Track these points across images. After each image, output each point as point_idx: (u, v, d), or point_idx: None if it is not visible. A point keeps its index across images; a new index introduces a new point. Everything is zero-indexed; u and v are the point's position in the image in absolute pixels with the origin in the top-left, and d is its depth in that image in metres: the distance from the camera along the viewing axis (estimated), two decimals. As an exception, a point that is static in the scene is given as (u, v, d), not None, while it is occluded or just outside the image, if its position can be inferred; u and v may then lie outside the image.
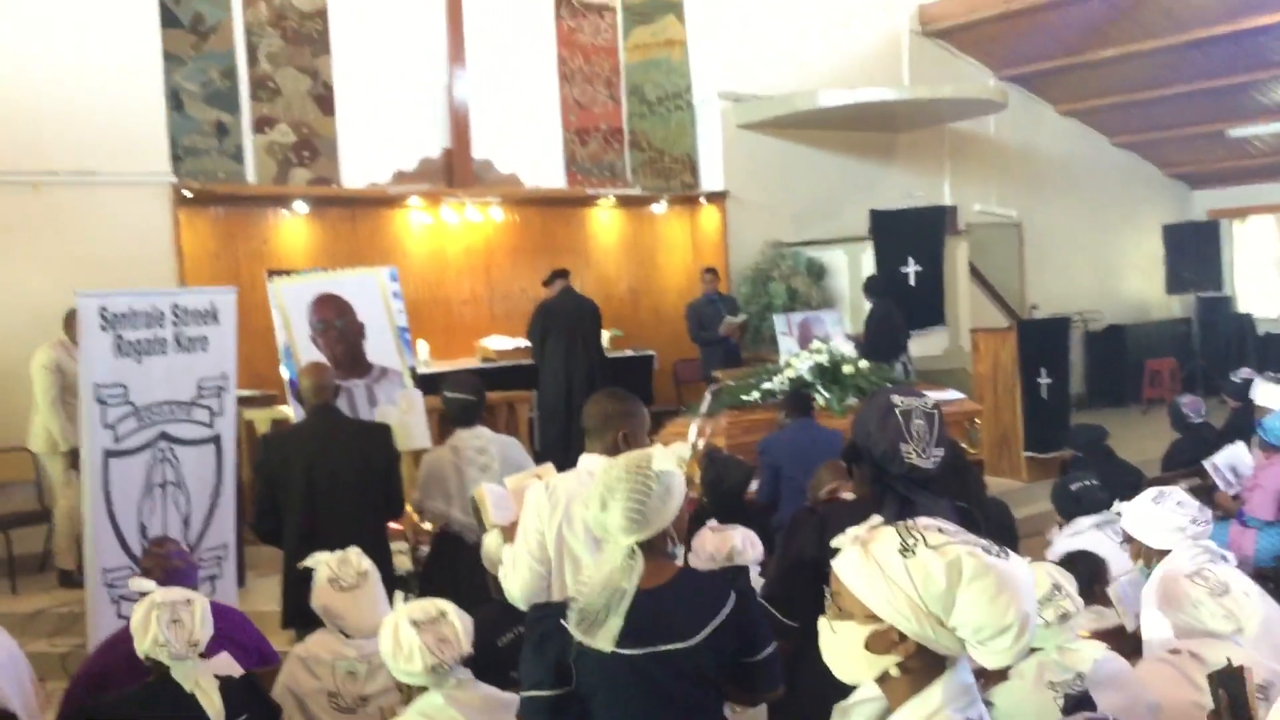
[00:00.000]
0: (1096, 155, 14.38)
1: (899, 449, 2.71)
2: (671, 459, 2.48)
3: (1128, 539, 3.68)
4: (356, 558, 3.55)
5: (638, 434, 3.24)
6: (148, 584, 3.48)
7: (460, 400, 5.12)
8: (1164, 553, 3.46)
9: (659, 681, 2.38)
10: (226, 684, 3.23)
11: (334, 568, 3.51)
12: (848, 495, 2.95)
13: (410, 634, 2.70)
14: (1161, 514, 3.51)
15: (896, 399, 2.78)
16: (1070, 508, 4.77)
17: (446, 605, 2.81)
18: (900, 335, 9.90)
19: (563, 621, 2.39)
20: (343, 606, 3.47)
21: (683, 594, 2.43)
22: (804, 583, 2.66)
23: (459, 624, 2.76)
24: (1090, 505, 4.71)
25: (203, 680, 3.11)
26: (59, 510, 6.89)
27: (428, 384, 7.19)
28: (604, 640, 2.33)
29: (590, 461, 3.21)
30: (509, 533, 3.42)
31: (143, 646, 3.12)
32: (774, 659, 2.51)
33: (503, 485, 3.78)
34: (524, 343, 9.17)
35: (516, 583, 3.14)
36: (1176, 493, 3.57)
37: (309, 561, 3.66)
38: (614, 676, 2.37)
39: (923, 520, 1.70)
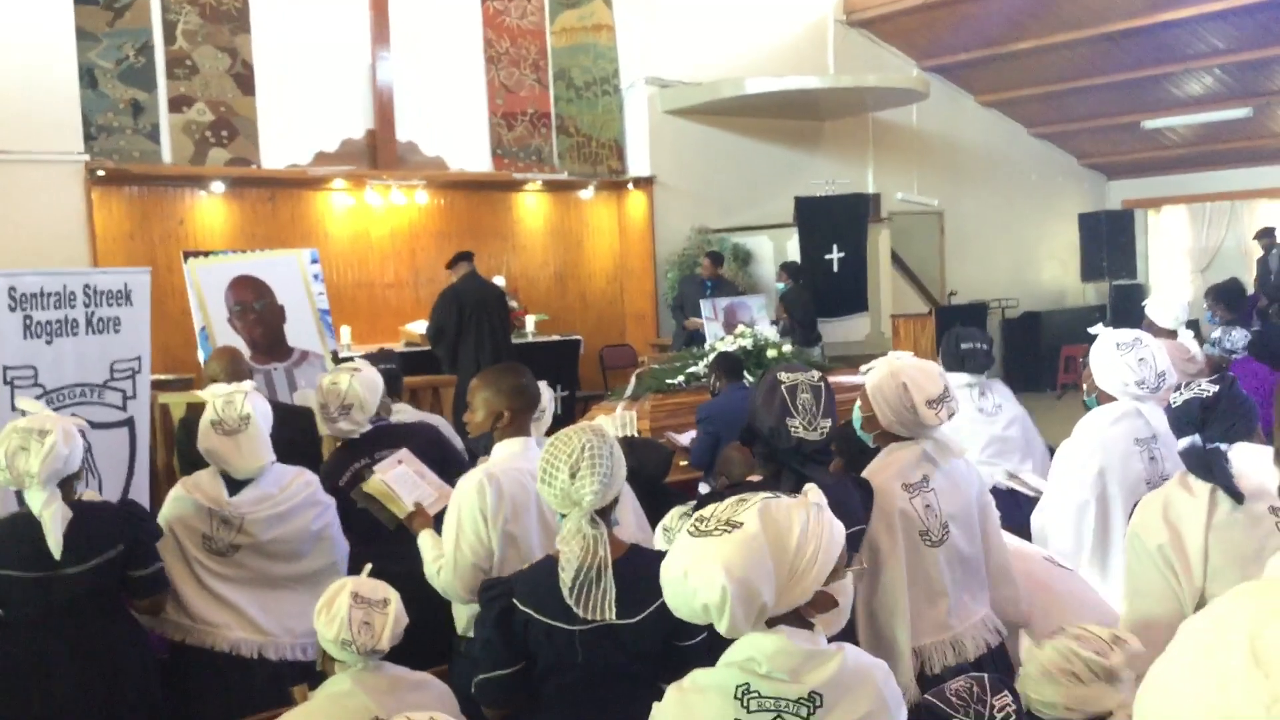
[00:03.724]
0: (1015, 145, 14.66)
1: (785, 424, 2.72)
2: (618, 427, 2.50)
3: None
4: (241, 401, 3.54)
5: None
6: (33, 404, 3.56)
7: (383, 370, 5.09)
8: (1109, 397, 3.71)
9: (605, 656, 2.43)
10: (99, 510, 3.37)
11: (219, 410, 3.52)
12: (755, 478, 2.98)
13: (344, 603, 2.68)
14: (1121, 363, 3.66)
15: (782, 375, 2.80)
16: (954, 364, 4.86)
17: (395, 598, 2.76)
18: (815, 319, 10.11)
19: (515, 600, 2.43)
20: (226, 450, 3.49)
21: (633, 571, 2.47)
22: None
23: (392, 620, 2.72)
24: (973, 366, 4.88)
25: (47, 510, 3.19)
26: None
27: (349, 368, 7.12)
28: (605, 609, 2.39)
29: (517, 446, 3.16)
30: (422, 518, 3.38)
31: None
32: (704, 646, 2.53)
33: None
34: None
35: (457, 578, 3.04)
36: (1145, 349, 3.70)
37: (203, 393, 3.76)
38: (563, 650, 2.42)
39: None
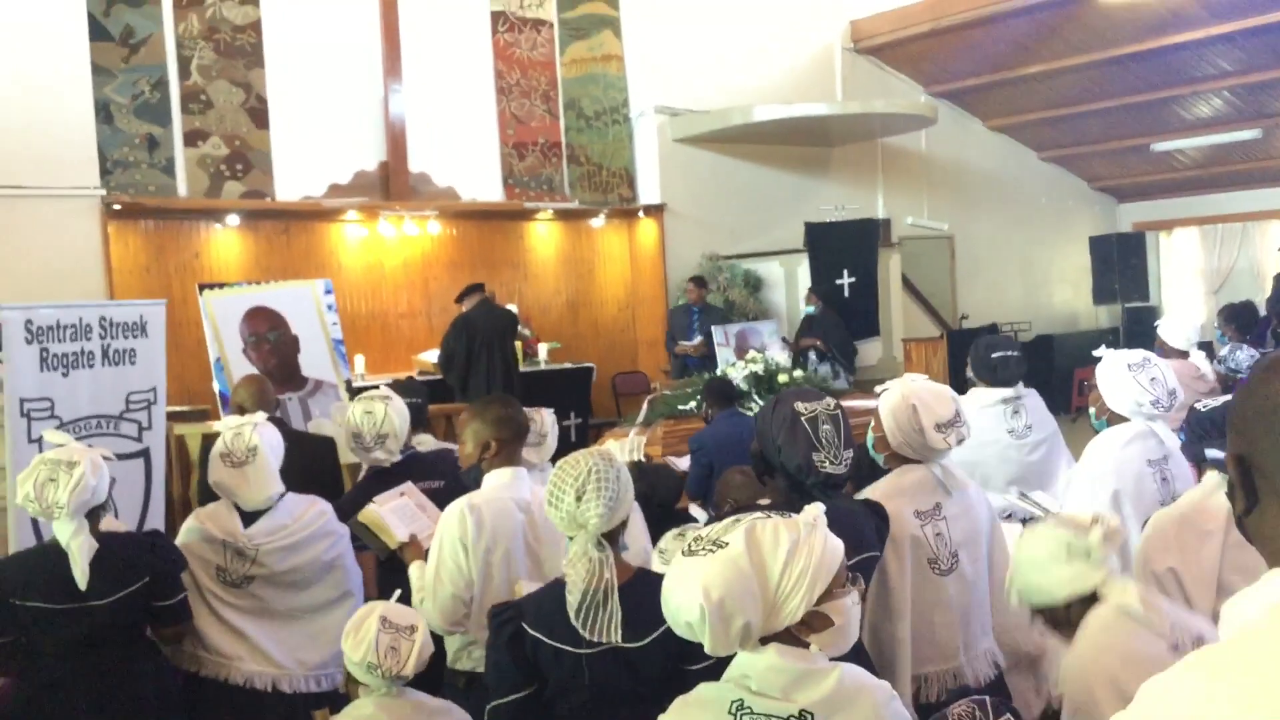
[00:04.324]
0: (1025, 169, 14.67)
1: (813, 460, 2.69)
2: (625, 453, 2.50)
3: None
4: (250, 432, 3.54)
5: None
6: (60, 436, 3.52)
7: (409, 403, 5.11)
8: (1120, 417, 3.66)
9: (612, 679, 2.43)
10: (125, 541, 3.35)
11: (228, 442, 3.53)
12: (763, 502, 2.98)
13: (373, 628, 2.71)
14: (1133, 384, 3.61)
15: (800, 405, 2.75)
16: (985, 374, 4.70)
17: (422, 625, 2.80)
18: (852, 341, 10.23)
19: (524, 625, 2.44)
20: (234, 482, 3.49)
21: (641, 594, 2.46)
22: None
23: (419, 647, 2.75)
24: (1005, 376, 4.65)
25: (74, 541, 3.19)
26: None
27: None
28: (611, 631, 2.39)
29: (506, 476, 3.17)
30: (414, 549, 3.40)
31: (16, 496, 3.26)
32: (712, 670, 2.54)
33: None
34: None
35: (437, 608, 3.06)
36: (1154, 369, 3.67)
37: (216, 425, 3.80)
38: (571, 673, 2.42)
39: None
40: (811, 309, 10.31)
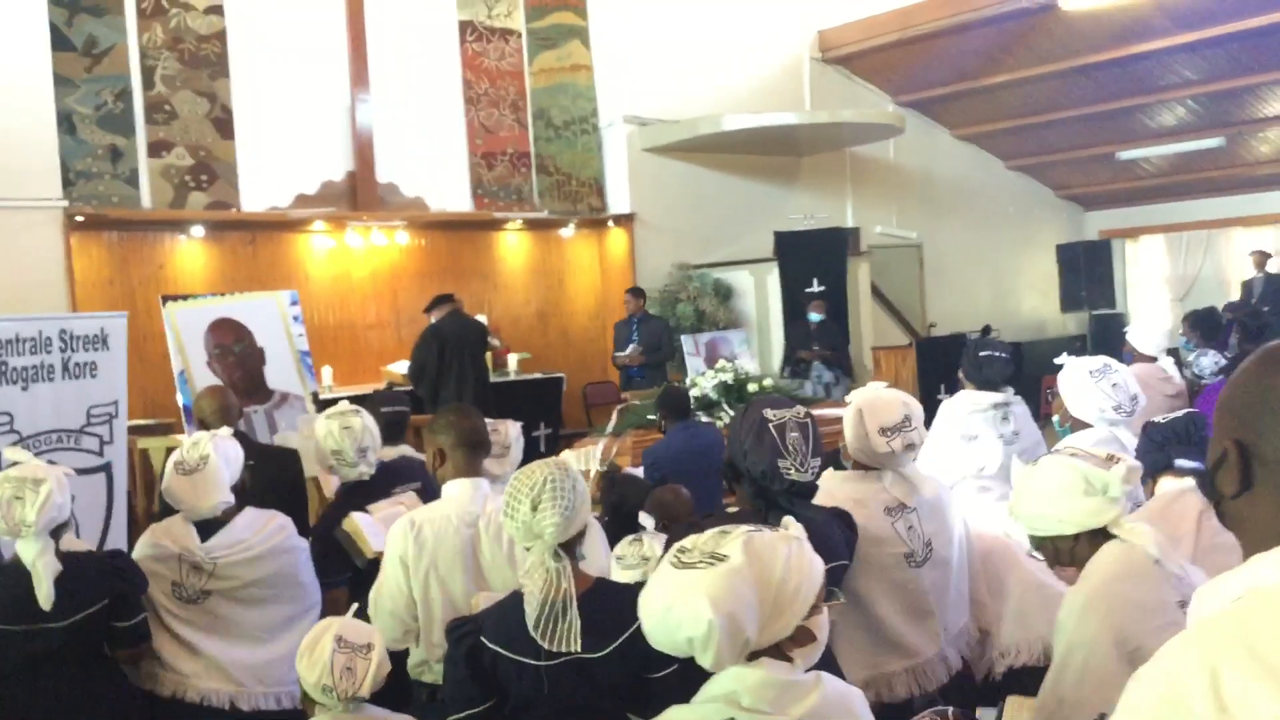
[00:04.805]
0: (992, 178, 14.76)
1: (778, 466, 2.69)
2: (582, 462, 2.48)
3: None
4: (206, 442, 3.49)
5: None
6: (20, 454, 3.46)
7: (394, 413, 5.06)
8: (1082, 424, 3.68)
9: (572, 689, 2.41)
10: (86, 561, 3.29)
11: (184, 452, 3.48)
12: (731, 509, 2.97)
13: (328, 647, 2.65)
14: (1095, 390, 3.62)
15: (769, 413, 2.76)
16: (974, 374, 4.64)
17: (379, 642, 2.75)
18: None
19: (483, 638, 2.42)
20: (181, 490, 3.43)
21: (599, 604, 2.45)
22: None
23: (375, 666, 2.69)
24: (992, 374, 4.58)
25: (40, 561, 3.14)
26: None
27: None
28: (570, 641, 2.37)
29: (466, 489, 3.14)
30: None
31: None
32: (674, 679, 2.50)
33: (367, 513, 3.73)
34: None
35: (379, 625, 3.03)
36: (1116, 374, 3.67)
37: (181, 438, 3.73)
38: (531, 685, 2.40)
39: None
40: (818, 316, 10.31)
